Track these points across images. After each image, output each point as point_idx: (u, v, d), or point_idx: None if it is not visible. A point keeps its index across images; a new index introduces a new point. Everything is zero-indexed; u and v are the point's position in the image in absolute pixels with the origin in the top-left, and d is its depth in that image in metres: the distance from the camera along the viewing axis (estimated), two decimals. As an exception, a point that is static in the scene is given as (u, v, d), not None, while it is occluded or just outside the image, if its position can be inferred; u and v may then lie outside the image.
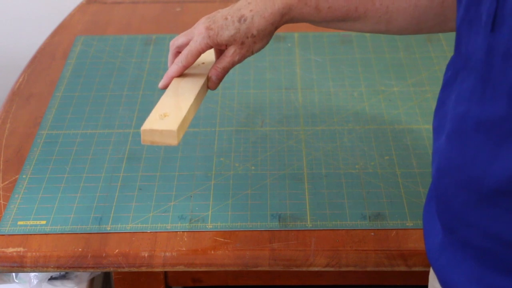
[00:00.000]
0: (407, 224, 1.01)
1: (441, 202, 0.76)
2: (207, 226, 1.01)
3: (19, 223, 1.02)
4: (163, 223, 1.02)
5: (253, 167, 1.11)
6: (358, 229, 1.01)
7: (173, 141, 0.88)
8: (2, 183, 1.09)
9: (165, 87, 0.96)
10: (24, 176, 1.10)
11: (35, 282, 1.24)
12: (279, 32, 1.35)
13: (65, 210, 1.04)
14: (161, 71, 1.34)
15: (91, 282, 1.28)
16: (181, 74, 0.96)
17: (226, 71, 0.95)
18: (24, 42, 1.91)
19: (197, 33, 0.93)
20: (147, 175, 1.10)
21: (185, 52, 0.94)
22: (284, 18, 0.93)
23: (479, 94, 0.68)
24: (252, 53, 0.94)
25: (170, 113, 0.90)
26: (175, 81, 0.96)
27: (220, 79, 0.96)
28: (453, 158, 0.72)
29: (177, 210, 1.04)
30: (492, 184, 0.68)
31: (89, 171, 1.10)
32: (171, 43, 0.97)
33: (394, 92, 1.28)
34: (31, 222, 1.02)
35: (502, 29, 0.64)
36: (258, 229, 1.01)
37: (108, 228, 1.01)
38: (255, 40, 0.93)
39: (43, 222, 1.02)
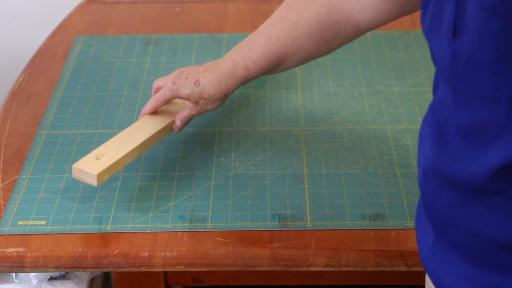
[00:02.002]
0: (407, 224, 1.01)
1: (428, 205, 0.78)
2: (207, 226, 1.01)
3: (19, 223, 1.02)
4: (163, 223, 1.02)
5: (253, 167, 1.11)
6: (358, 229, 1.01)
7: (94, 183, 1.00)
8: (2, 183, 1.09)
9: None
10: (24, 176, 1.10)
11: (35, 282, 1.24)
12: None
13: (65, 210, 1.04)
14: (161, 71, 1.34)
15: (91, 282, 1.28)
16: (165, 107, 1.12)
17: (188, 119, 1.09)
18: (24, 42, 1.91)
19: (167, 82, 1.08)
20: (147, 175, 1.10)
21: (156, 96, 1.10)
22: (230, 86, 1.04)
23: (453, 100, 0.70)
24: (207, 111, 1.08)
25: (108, 154, 1.03)
26: (146, 116, 1.11)
27: (183, 124, 1.10)
28: (436, 160, 0.73)
29: (177, 210, 1.04)
30: (474, 184, 0.69)
31: (89, 171, 1.10)
32: (153, 83, 1.12)
33: (394, 92, 1.28)
34: (31, 222, 1.02)
35: (463, 35, 0.65)
36: (258, 229, 1.01)
37: (108, 228, 1.01)
38: (207, 102, 1.06)
39: (43, 222, 1.02)
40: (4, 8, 1.92)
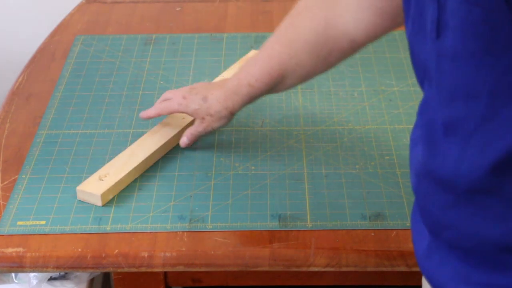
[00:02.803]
0: (407, 224, 1.01)
1: (423, 207, 0.79)
2: (207, 226, 1.01)
3: (19, 223, 1.02)
4: (163, 223, 1.02)
5: (253, 167, 1.11)
6: (358, 229, 1.01)
7: (98, 203, 1.03)
8: (1, 183, 1.09)
9: (143, 118, 1.15)
10: (23, 176, 1.10)
11: (34, 283, 1.24)
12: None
13: (65, 210, 1.04)
14: (161, 71, 1.33)
15: (91, 282, 1.28)
16: (164, 123, 1.15)
17: (194, 137, 1.12)
18: (24, 42, 1.91)
19: (177, 95, 1.11)
20: (147, 175, 1.10)
21: (164, 104, 1.12)
22: (236, 103, 1.06)
23: (438, 100, 0.70)
24: (213, 129, 1.10)
25: (110, 174, 1.06)
26: (147, 134, 1.13)
27: (191, 141, 1.13)
28: (427, 163, 0.74)
29: (177, 210, 1.04)
30: (466, 184, 0.69)
31: (89, 171, 1.10)
32: (165, 92, 1.15)
33: (394, 92, 1.27)
34: (31, 222, 1.02)
35: (446, 33, 0.65)
36: (258, 229, 1.01)
37: (108, 228, 1.01)
38: (213, 120, 1.08)
39: (43, 222, 1.02)
40: (4, 8, 1.92)
